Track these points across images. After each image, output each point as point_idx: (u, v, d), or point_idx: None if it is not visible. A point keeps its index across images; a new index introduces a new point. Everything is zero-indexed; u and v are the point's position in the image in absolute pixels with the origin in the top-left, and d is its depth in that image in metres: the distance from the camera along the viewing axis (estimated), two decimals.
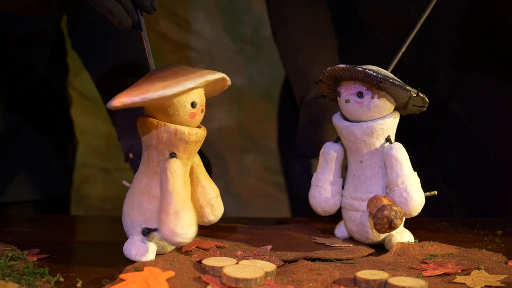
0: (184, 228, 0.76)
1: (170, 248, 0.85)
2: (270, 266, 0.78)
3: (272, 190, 2.16)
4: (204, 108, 0.83)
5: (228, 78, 0.84)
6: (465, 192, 1.24)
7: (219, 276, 0.76)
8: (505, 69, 1.21)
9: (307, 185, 0.96)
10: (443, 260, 0.84)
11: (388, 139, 0.89)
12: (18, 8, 0.88)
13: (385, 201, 0.85)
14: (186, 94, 0.80)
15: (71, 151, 1.35)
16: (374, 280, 0.74)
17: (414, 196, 0.85)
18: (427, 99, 0.88)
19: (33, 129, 1.24)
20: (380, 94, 0.87)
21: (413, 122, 1.15)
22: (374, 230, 0.89)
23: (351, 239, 0.94)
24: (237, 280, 0.72)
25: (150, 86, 0.77)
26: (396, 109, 0.90)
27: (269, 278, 0.76)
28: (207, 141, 0.85)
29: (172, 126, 0.80)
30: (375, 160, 0.89)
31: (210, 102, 0.85)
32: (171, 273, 0.74)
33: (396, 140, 0.89)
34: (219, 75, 0.82)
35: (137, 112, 0.86)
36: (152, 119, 0.80)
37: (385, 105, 0.88)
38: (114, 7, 0.84)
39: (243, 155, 2.18)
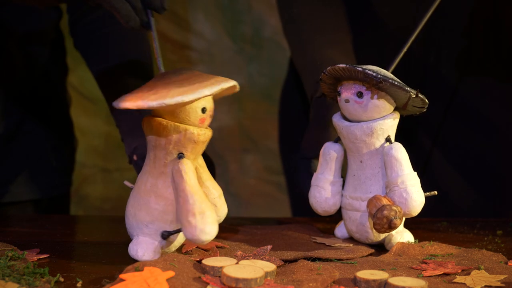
0: (212, 226, 0.78)
1: (174, 248, 0.85)
2: (270, 266, 0.78)
3: (272, 190, 2.16)
4: (212, 113, 0.83)
5: (238, 85, 0.85)
6: (465, 192, 1.24)
7: (219, 276, 0.76)
8: (508, 70, 1.21)
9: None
10: (443, 260, 0.84)
11: (388, 139, 0.89)
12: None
13: (385, 201, 0.85)
14: (198, 100, 0.80)
15: (71, 151, 1.35)
16: (374, 280, 0.74)
17: (414, 196, 0.85)
18: (426, 100, 0.88)
19: (33, 129, 1.24)
20: (379, 94, 0.87)
21: (414, 122, 1.15)
22: (374, 230, 0.89)
23: (351, 239, 0.94)
24: (237, 280, 0.72)
25: (168, 91, 0.77)
26: (396, 109, 0.90)
27: (269, 278, 0.76)
28: None
29: (182, 126, 0.80)
30: (375, 160, 0.89)
31: None
32: (171, 273, 0.74)
33: (396, 140, 0.89)
34: (232, 82, 0.83)
35: (141, 114, 0.86)
36: (161, 119, 0.80)
37: (385, 105, 0.88)
38: (121, 6, 0.83)
39: (243, 155, 2.18)
